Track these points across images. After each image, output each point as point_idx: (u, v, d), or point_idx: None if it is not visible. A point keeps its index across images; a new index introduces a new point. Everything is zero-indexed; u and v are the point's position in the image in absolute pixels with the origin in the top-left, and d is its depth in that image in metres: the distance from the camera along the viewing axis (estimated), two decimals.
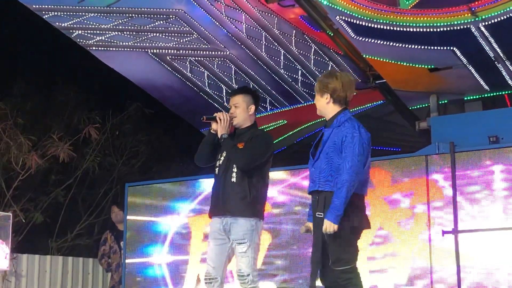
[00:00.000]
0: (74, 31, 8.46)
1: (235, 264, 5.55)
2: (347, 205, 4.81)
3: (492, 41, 7.62)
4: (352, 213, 4.88)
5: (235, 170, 5.47)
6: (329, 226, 4.80)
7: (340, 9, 7.41)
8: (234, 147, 5.48)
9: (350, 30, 7.73)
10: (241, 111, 5.61)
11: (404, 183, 7.82)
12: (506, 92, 8.63)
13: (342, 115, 5.00)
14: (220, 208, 5.49)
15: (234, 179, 5.46)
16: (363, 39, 7.84)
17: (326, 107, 4.99)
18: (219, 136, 5.51)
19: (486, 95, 8.77)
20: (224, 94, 9.48)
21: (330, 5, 7.40)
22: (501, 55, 7.84)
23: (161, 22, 8.29)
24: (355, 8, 7.36)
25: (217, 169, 5.60)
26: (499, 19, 7.25)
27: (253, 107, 5.67)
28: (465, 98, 8.85)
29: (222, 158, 5.57)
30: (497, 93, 8.71)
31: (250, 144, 5.51)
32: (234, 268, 5.68)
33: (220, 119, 5.49)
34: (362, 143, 4.87)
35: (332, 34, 8.20)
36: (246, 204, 5.45)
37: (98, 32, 8.47)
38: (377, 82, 9.01)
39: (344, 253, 4.92)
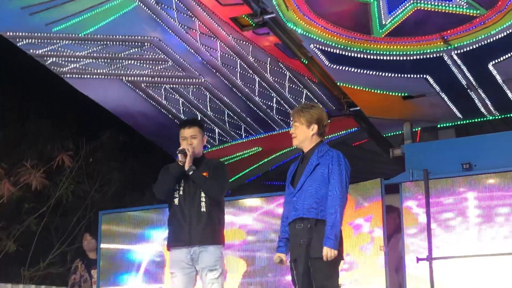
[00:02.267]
0: (48, 58, 8.42)
1: None
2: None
3: (465, 69, 7.71)
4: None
5: (203, 199, 5.52)
6: (329, 252, 4.86)
7: (315, 37, 7.46)
8: (206, 178, 5.57)
9: (324, 58, 7.79)
10: (198, 142, 5.70)
11: (364, 208, 7.86)
12: (479, 119, 8.71)
13: (323, 145, 5.08)
14: (186, 239, 5.48)
15: (204, 209, 5.50)
16: (337, 67, 7.90)
17: (311, 138, 5.06)
18: (186, 168, 5.54)
19: (459, 123, 8.85)
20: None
21: (305, 33, 7.45)
22: (473, 83, 7.93)
23: (136, 49, 8.29)
24: (329, 36, 7.41)
25: (176, 199, 5.59)
26: (471, 47, 7.34)
27: (205, 138, 5.88)
28: (438, 126, 8.92)
29: (182, 189, 5.59)
30: (470, 121, 8.79)
31: (216, 173, 5.64)
32: None
33: (189, 151, 5.54)
34: (347, 171, 4.97)
35: (306, 62, 8.25)
36: (215, 232, 5.54)
37: (72, 59, 8.44)
38: (351, 109, 9.06)
39: (328, 280, 4.93)
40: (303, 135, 5.09)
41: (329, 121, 5.28)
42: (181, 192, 5.56)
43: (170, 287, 5.60)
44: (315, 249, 4.91)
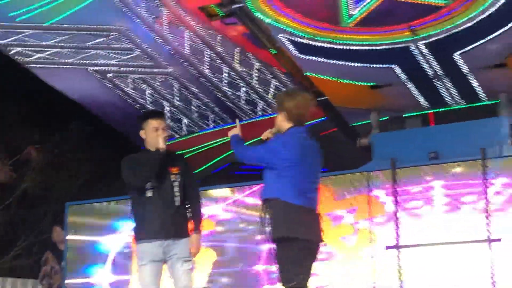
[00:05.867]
0: (12, 48, 8.31)
1: (176, 283, 5.49)
2: (278, 215, 4.81)
3: (431, 59, 7.78)
4: (284, 222, 4.78)
5: (177, 194, 5.48)
6: None
7: (283, 27, 7.46)
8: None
9: (293, 48, 7.80)
10: (166, 135, 5.64)
11: (346, 200, 7.89)
12: (445, 108, 8.79)
13: (288, 131, 5.03)
14: (161, 232, 5.44)
15: (178, 203, 5.48)
16: (305, 57, 7.91)
17: (282, 124, 5.05)
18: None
19: (425, 112, 8.92)
20: (168, 111, 9.43)
21: (273, 23, 7.45)
22: (440, 72, 8.00)
23: (103, 39, 8.22)
24: (298, 26, 7.42)
25: (149, 191, 5.53)
26: (437, 37, 7.40)
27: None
28: (405, 115, 8.98)
29: (154, 181, 5.53)
30: (436, 110, 8.87)
31: (191, 172, 5.67)
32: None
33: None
34: (277, 141, 4.90)
35: (275, 52, 8.24)
36: (186, 225, 5.53)
37: (38, 49, 8.34)
38: (319, 99, 9.08)
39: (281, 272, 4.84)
40: (276, 120, 5.08)
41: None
42: (154, 184, 5.51)
43: (139, 278, 5.54)
44: None
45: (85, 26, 8.06)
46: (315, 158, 4.96)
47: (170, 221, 5.42)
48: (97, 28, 8.13)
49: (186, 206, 5.54)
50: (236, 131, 5.16)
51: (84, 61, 8.61)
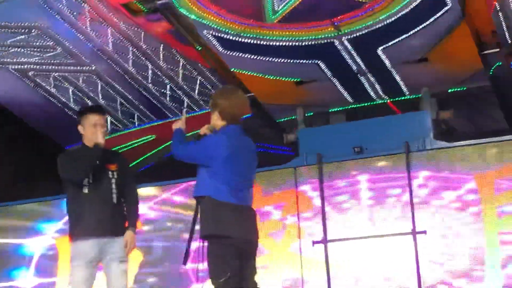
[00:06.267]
0: None
1: (110, 283, 5.39)
2: (209, 212, 4.79)
3: (355, 54, 7.86)
4: (214, 220, 4.77)
5: (115, 191, 5.39)
6: None
7: (208, 23, 7.42)
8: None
9: (218, 44, 7.77)
10: (105, 130, 5.54)
11: (274, 195, 7.91)
12: (369, 103, 8.90)
13: (221, 129, 5.01)
14: (98, 229, 5.32)
15: (115, 200, 5.38)
16: (230, 53, 7.89)
17: (216, 123, 5.03)
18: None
19: (349, 107, 9.02)
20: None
21: (198, 19, 7.40)
22: (363, 67, 8.10)
23: (23, 36, 8.01)
24: (222, 22, 7.40)
25: (85, 188, 5.41)
26: (360, 33, 7.49)
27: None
28: (330, 110, 9.07)
29: (91, 177, 5.41)
30: (360, 105, 8.98)
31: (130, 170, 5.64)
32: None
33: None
34: (202, 143, 4.88)
35: (200, 48, 8.20)
36: (123, 223, 5.44)
37: None
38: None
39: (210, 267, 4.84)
40: (211, 119, 5.07)
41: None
42: (91, 181, 5.39)
43: (72, 280, 5.38)
44: None
45: (4, 23, 7.84)
46: (250, 156, 4.98)
47: (107, 218, 5.32)
48: (17, 25, 7.92)
49: (124, 205, 5.45)
50: (180, 124, 5.11)
51: (4, 60, 8.38)
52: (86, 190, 5.38)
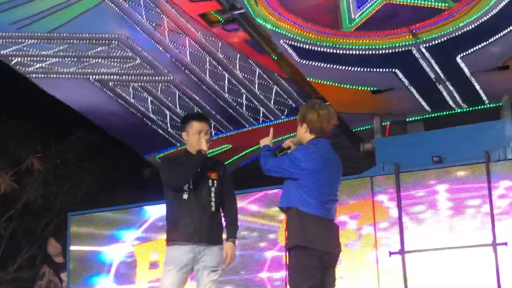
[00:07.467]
0: (13, 58, 8.30)
1: None
2: (295, 223, 4.81)
3: (433, 62, 7.75)
4: (299, 231, 4.81)
5: (214, 199, 5.39)
6: None
7: (284, 32, 7.44)
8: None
9: (294, 54, 7.77)
10: (208, 137, 5.58)
11: (349, 205, 7.85)
12: (447, 112, 8.76)
13: (310, 142, 5.03)
14: (195, 236, 5.33)
15: (213, 209, 5.38)
16: (306, 62, 7.89)
17: (304, 136, 5.07)
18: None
19: (427, 116, 8.89)
20: (167, 119, 9.40)
21: (274, 28, 7.43)
22: (442, 76, 7.97)
23: (103, 47, 8.20)
24: (299, 31, 7.40)
25: (185, 194, 5.43)
26: (439, 40, 7.38)
27: None
28: (407, 119, 8.96)
29: (192, 184, 5.44)
30: (438, 114, 8.84)
31: (231, 180, 5.57)
32: None
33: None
34: (297, 154, 4.91)
35: (276, 58, 8.22)
36: (220, 232, 5.42)
37: (38, 59, 8.33)
38: None
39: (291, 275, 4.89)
40: (298, 132, 5.10)
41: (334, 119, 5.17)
42: (191, 187, 5.42)
43: (162, 283, 5.43)
44: None
45: (85, 34, 8.04)
46: (336, 170, 4.99)
47: (204, 226, 5.28)
48: (98, 36, 8.11)
49: (222, 214, 5.42)
50: (267, 141, 5.16)
51: (85, 70, 8.59)
52: (185, 196, 5.37)
